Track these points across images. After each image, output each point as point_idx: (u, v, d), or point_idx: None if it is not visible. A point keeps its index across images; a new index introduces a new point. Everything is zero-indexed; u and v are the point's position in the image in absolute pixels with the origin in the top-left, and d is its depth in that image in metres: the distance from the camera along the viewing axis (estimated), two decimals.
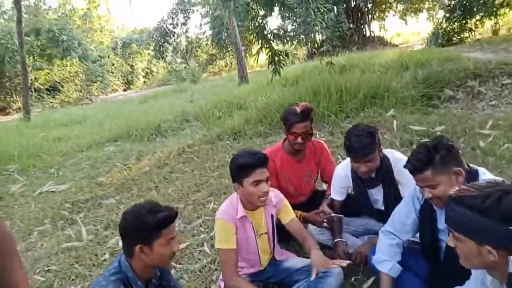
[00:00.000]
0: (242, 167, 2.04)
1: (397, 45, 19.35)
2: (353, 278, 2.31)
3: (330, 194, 2.69)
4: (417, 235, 2.19)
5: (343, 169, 2.53)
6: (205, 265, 2.73)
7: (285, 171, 2.70)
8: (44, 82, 20.69)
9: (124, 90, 27.73)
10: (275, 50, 7.49)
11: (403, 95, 6.14)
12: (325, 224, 2.51)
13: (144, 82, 29.94)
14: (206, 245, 2.98)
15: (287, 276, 2.26)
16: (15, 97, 19.34)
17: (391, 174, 2.35)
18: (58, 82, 20.87)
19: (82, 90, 21.52)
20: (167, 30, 24.41)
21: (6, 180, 6.04)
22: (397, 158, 2.37)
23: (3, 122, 14.65)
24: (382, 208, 2.46)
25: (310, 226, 2.69)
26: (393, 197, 2.37)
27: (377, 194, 2.46)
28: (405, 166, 1.79)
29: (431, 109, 5.89)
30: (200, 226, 3.36)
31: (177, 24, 24.54)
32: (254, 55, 12.12)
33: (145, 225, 1.57)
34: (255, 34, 7.64)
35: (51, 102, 19.44)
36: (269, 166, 2.63)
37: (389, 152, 2.40)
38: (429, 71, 6.92)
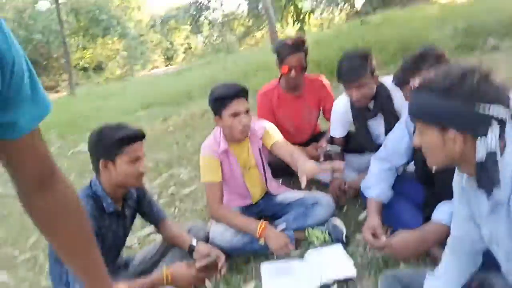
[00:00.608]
0: (220, 98, 1.97)
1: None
2: (345, 208, 2.21)
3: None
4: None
5: (342, 103, 2.39)
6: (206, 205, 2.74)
7: (282, 108, 2.60)
8: (90, 62, 21.65)
9: (166, 65, 28.31)
10: (299, 8, 7.23)
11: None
12: (322, 160, 2.41)
13: (184, 57, 30.34)
14: None
15: (279, 210, 2.21)
16: (63, 76, 20.42)
17: (391, 104, 2.19)
18: (103, 61, 21.76)
19: (125, 67, 22.26)
20: (202, 4, 24.38)
21: (46, 142, 6.46)
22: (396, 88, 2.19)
23: (52, 99, 15.59)
24: None
25: None
26: None
27: (378, 128, 2.31)
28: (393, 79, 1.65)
29: (471, 59, 5.45)
30: None
31: None
32: (281, 14, 11.77)
33: (106, 139, 1.58)
34: None
35: (96, 80, 20.34)
36: (264, 104, 2.60)
37: (387, 79, 2.22)
38: (471, 22, 6.42)
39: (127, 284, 1.54)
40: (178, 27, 29.16)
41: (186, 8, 26.59)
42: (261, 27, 26.73)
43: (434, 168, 1.21)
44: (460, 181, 1.21)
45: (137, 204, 1.83)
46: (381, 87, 2.17)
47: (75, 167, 4.62)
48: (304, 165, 1.76)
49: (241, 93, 1.99)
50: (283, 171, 2.53)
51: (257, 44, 27.31)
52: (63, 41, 13.52)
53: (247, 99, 2.02)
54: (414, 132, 1.78)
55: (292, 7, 7.29)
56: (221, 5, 24.81)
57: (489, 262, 1.23)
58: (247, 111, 2.00)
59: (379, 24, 8.65)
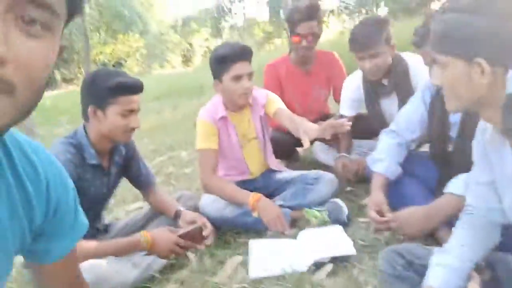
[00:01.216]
0: (221, 60, 1.80)
1: None
2: (348, 188, 2.02)
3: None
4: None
5: (354, 78, 2.21)
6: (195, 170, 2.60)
7: (290, 83, 2.43)
8: (110, 58, 21.91)
9: (184, 67, 28.49)
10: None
11: None
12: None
13: (202, 60, 30.50)
14: None
15: (278, 188, 2.04)
16: (82, 70, 20.70)
17: (407, 80, 2.00)
18: (122, 58, 22.00)
19: (143, 65, 22.45)
20: (225, 8, 24.57)
21: (55, 125, 6.53)
22: (416, 61, 2.00)
23: (69, 91, 15.80)
24: None
25: (316, 144, 2.43)
26: None
27: (391, 107, 2.11)
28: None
29: None
30: None
31: (234, 1, 24.57)
32: None
33: (100, 84, 1.44)
34: None
35: None
36: (272, 76, 2.44)
37: (407, 55, 2.04)
38: None
39: (99, 243, 1.39)
40: (199, 29, 29.44)
41: (208, 11, 26.92)
42: (281, 34, 26.83)
43: (452, 113, 1.03)
44: (481, 139, 1.02)
45: (124, 162, 1.69)
46: (398, 61, 1.99)
47: None
48: (306, 124, 1.60)
49: (245, 54, 1.83)
50: (284, 151, 2.37)
51: (276, 50, 27.26)
52: (85, 34, 13.65)
53: (250, 62, 1.86)
54: (430, 101, 1.61)
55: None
56: (243, 9, 24.98)
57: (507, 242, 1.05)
58: (250, 75, 1.85)
59: (398, 31, 8.45)
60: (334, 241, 1.54)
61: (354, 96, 2.23)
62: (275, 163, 2.13)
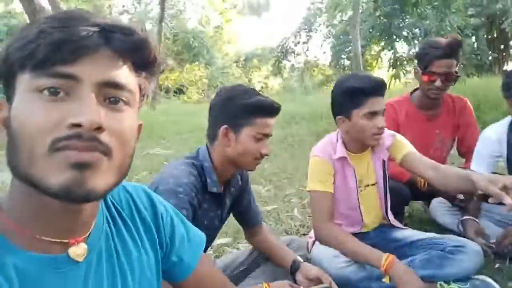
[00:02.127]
0: (354, 93, 1.56)
1: None
2: (496, 265, 1.63)
3: (469, 167, 2.04)
4: None
5: (495, 131, 1.88)
6: (293, 227, 2.31)
7: (409, 128, 2.12)
8: (173, 84, 22.89)
9: None
10: (398, 53, 6.83)
11: None
12: (460, 197, 1.89)
13: None
14: (296, 210, 2.56)
15: (396, 249, 1.69)
16: None
17: None
18: (184, 85, 22.87)
19: (203, 94, 23.19)
20: (288, 47, 25.06)
21: None
22: None
23: None
24: None
25: (434, 203, 2.08)
26: None
27: None
28: None
29: None
30: (293, 194, 2.96)
31: (298, 43, 25.02)
32: (376, 55, 11.29)
33: (238, 102, 1.26)
34: (378, 36, 7.10)
35: (174, 101, 21.34)
36: (390, 118, 2.15)
37: None
38: None
39: None
40: (260, 66, 30.21)
41: (271, 49, 27.66)
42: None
43: None
44: None
45: (238, 194, 1.46)
46: None
47: (147, 166, 4.51)
48: (486, 178, 1.22)
49: (382, 89, 1.59)
50: (399, 204, 2.04)
51: None
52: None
53: (384, 97, 1.61)
54: None
55: (391, 51, 6.88)
56: (307, 50, 25.34)
57: None
58: (384, 113, 1.59)
59: (480, 87, 7.99)
60: None
61: (493, 151, 1.89)
62: (393, 218, 1.81)
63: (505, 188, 1.12)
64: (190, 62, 22.35)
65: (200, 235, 0.81)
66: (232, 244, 2.14)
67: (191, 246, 0.77)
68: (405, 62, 7.19)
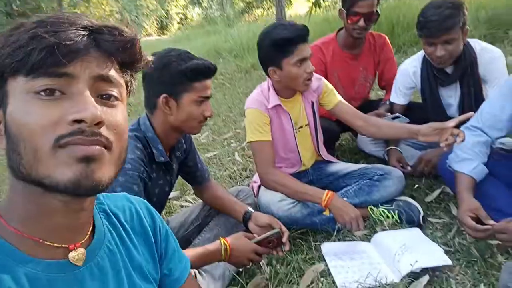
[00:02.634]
0: (282, 43, 1.59)
1: None
2: (415, 186, 1.91)
3: (388, 100, 2.25)
4: (504, 140, 1.77)
5: (411, 64, 2.06)
6: (235, 171, 2.41)
7: (336, 67, 2.25)
8: None
9: (158, 35, 27.33)
10: None
11: None
12: None
13: (179, 28, 29.36)
14: (237, 154, 2.65)
15: (332, 182, 1.90)
16: None
17: (475, 69, 1.86)
18: None
19: None
20: None
21: None
22: (486, 47, 1.87)
23: None
24: (456, 115, 1.99)
25: (360, 136, 2.29)
26: (472, 101, 1.90)
27: (451, 97, 1.99)
28: None
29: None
30: (231, 138, 3.03)
31: None
32: None
33: (174, 70, 1.23)
34: None
35: None
36: (317, 59, 2.23)
37: (474, 41, 1.90)
38: (493, 13, 6.15)
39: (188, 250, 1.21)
40: None
41: None
42: (261, 4, 26.07)
43: None
44: None
45: (184, 157, 1.48)
46: (467, 48, 1.85)
47: None
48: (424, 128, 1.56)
49: (307, 35, 1.64)
50: (331, 140, 2.21)
51: (256, 20, 26.56)
52: None
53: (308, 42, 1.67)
54: None
55: None
56: None
57: None
58: (310, 57, 1.66)
59: (393, 7, 8.33)
60: (421, 247, 1.42)
61: (409, 83, 2.08)
62: (325, 153, 1.98)
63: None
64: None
65: (187, 259, 0.83)
66: (180, 198, 2.19)
67: (181, 261, 0.80)
68: None
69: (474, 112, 1.69)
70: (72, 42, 0.50)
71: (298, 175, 1.87)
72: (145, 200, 0.77)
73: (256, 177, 1.97)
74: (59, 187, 0.49)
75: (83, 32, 0.52)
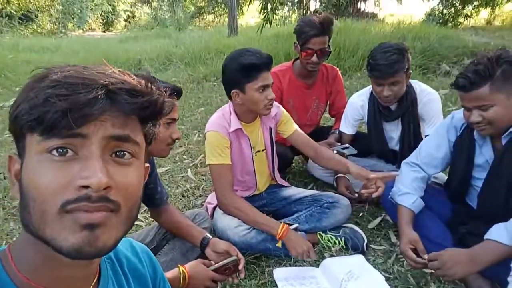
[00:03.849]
0: (247, 69, 1.66)
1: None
2: (360, 214, 2.06)
3: (337, 129, 2.40)
4: (438, 175, 1.98)
5: (359, 98, 2.23)
6: (188, 189, 2.41)
7: (291, 94, 2.37)
8: (17, 9, 19.04)
9: (103, 31, 26.10)
10: None
11: None
12: None
13: (125, 26, 28.29)
14: (189, 171, 2.65)
15: (284, 206, 1.99)
16: None
17: (415, 108, 2.07)
18: (31, 12, 19.30)
19: (57, 23, 20.05)
20: None
21: None
22: (425, 90, 2.09)
23: None
24: (396, 148, 2.20)
25: (310, 161, 2.41)
26: (411, 136, 2.11)
27: (393, 131, 2.19)
28: (454, 83, 1.49)
29: (425, 81, 5.70)
30: (183, 154, 3.01)
31: None
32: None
33: None
34: None
35: (22, 31, 18.01)
36: (274, 86, 2.33)
37: (415, 83, 2.11)
38: (426, 44, 6.76)
39: None
40: None
41: None
42: (212, 10, 26.07)
43: None
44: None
45: (147, 180, 1.47)
46: (409, 89, 2.05)
47: (6, 123, 3.89)
48: (358, 170, 1.82)
49: (270, 64, 1.72)
50: (284, 165, 2.31)
51: (207, 27, 26.47)
52: None
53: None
54: (455, 141, 1.68)
55: None
56: None
57: None
58: (272, 85, 1.75)
59: (336, 31, 8.82)
60: (365, 276, 1.55)
61: (357, 115, 2.26)
62: (279, 178, 2.07)
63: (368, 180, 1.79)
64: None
65: None
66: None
67: None
68: (276, 4, 7.41)
69: (413, 146, 1.89)
70: (86, 105, 0.50)
71: (252, 198, 1.94)
72: (148, 249, 0.78)
73: (210, 198, 2.00)
74: (62, 251, 0.50)
75: (100, 93, 0.51)
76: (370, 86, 2.15)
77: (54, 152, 0.50)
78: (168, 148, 1.35)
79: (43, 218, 0.50)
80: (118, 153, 0.55)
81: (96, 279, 0.63)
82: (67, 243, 0.50)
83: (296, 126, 1.97)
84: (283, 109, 1.98)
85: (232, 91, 1.74)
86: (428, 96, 2.06)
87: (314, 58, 2.19)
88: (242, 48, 1.76)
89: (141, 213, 2.14)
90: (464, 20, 13.48)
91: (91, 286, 0.62)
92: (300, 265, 1.66)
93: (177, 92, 1.36)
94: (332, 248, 1.76)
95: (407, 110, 2.07)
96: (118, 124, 0.54)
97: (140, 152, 0.58)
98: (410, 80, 2.07)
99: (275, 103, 1.92)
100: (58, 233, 0.50)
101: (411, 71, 1.99)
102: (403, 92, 2.00)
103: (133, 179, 0.56)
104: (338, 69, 2.48)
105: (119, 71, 0.57)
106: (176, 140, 1.39)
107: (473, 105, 1.46)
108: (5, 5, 17.55)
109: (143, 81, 0.57)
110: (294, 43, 2.26)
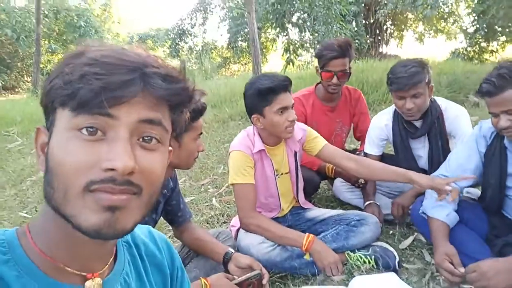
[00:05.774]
0: (263, 93, 1.68)
1: None
2: (391, 232, 1.96)
3: (362, 151, 2.36)
4: (471, 190, 1.89)
5: (383, 117, 2.21)
6: (213, 216, 2.40)
7: (315, 119, 2.37)
8: None
9: None
10: (291, 39, 7.27)
11: None
12: (361, 180, 2.18)
13: None
14: (214, 200, 2.65)
15: (310, 227, 1.93)
16: (25, 78, 19.21)
17: (441, 124, 2.02)
18: None
19: None
20: (184, 29, 24.43)
21: (5, 140, 5.81)
22: (451, 105, 2.05)
23: (13, 98, 14.50)
24: (426, 167, 2.12)
25: (337, 183, 2.36)
26: (440, 153, 2.04)
27: (420, 150, 2.13)
28: (479, 90, 1.47)
29: None
30: (208, 184, 3.03)
31: (195, 24, 24.55)
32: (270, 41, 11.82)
33: None
34: (273, 21, 7.44)
35: None
36: (298, 110, 2.35)
37: (440, 99, 2.08)
38: (453, 78, 6.73)
39: None
40: (155, 48, 28.89)
41: (167, 30, 26.61)
42: (237, 60, 27.22)
43: None
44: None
45: (169, 195, 1.49)
46: (433, 104, 2.02)
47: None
48: (421, 178, 1.62)
49: (288, 85, 1.74)
50: (310, 189, 2.27)
51: (233, 75, 27.49)
52: (37, 41, 12.77)
53: (290, 92, 1.77)
54: (486, 151, 1.62)
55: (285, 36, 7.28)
56: (204, 33, 25.01)
57: None
58: (293, 106, 1.76)
59: (360, 70, 8.95)
60: None
61: (382, 135, 2.22)
62: (303, 201, 2.03)
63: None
64: (76, 43, 20.26)
65: None
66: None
67: None
68: (297, 47, 7.68)
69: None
70: (120, 87, 0.50)
71: (276, 220, 1.89)
72: (166, 238, 0.78)
73: (234, 221, 1.97)
74: (82, 230, 0.51)
75: (134, 76, 0.51)
76: (393, 105, 2.13)
77: (84, 131, 0.50)
78: (194, 160, 1.38)
79: (66, 195, 0.50)
80: (145, 138, 0.54)
81: (112, 259, 0.63)
82: (87, 222, 0.50)
83: (325, 142, 1.92)
84: (310, 129, 1.95)
85: (252, 116, 1.77)
86: (456, 112, 2.02)
87: (335, 80, 2.21)
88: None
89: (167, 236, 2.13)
90: (490, 56, 13.36)
91: (108, 265, 0.62)
92: (327, 284, 1.58)
93: (202, 108, 1.40)
94: (362, 267, 1.67)
95: (433, 126, 2.03)
96: (150, 107, 0.54)
97: (166, 138, 0.58)
98: (435, 97, 2.04)
99: (302, 125, 1.93)
100: (79, 212, 0.50)
101: (433, 84, 1.96)
102: (426, 106, 1.97)
103: (157, 165, 0.56)
104: (360, 91, 2.48)
105: (154, 56, 0.57)
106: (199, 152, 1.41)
107: (500, 110, 1.42)
108: (46, 64, 18.95)
109: (177, 68, 0.57)
110: (316, 67, 2.31)
